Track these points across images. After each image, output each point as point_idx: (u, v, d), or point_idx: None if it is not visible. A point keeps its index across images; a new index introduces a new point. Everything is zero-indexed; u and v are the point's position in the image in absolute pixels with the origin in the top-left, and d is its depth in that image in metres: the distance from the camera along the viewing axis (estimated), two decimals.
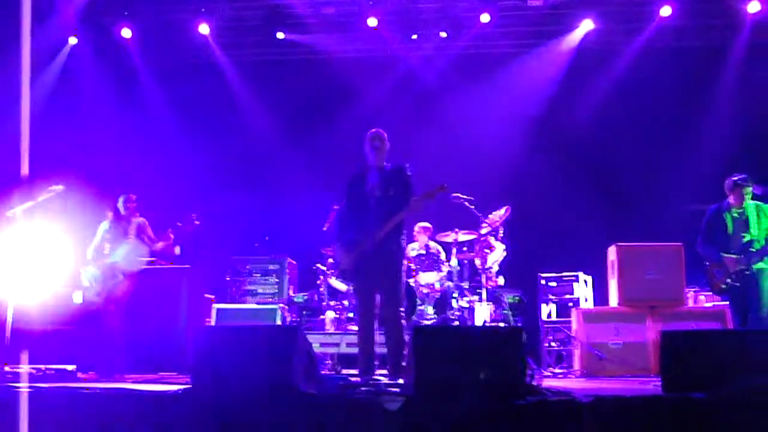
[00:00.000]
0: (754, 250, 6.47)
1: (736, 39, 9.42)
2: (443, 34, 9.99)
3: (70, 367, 6.88)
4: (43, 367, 6.62)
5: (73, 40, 10.15)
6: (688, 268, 7.44)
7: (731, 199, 6.62)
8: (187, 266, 7.84)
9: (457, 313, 7.77)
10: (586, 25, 9.61)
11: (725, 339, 4.84)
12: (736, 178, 6.59)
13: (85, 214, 7.52)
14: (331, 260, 8.07)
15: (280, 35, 10.09)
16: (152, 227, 7.21)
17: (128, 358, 6.90)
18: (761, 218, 6.56)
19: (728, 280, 6.55)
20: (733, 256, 6.51)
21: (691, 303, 7.90)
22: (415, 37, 10.06)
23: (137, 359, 7.16)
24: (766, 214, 6.58)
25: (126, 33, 10.05)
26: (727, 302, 7.14)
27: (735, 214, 6.61)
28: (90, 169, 9.66)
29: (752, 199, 6.60)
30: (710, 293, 8.09)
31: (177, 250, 7.13)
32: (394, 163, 5.90)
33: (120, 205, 7.07)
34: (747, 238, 6.51)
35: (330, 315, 8.04)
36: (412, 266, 8.00)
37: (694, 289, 8.13)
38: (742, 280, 6.49)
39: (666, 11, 9.33)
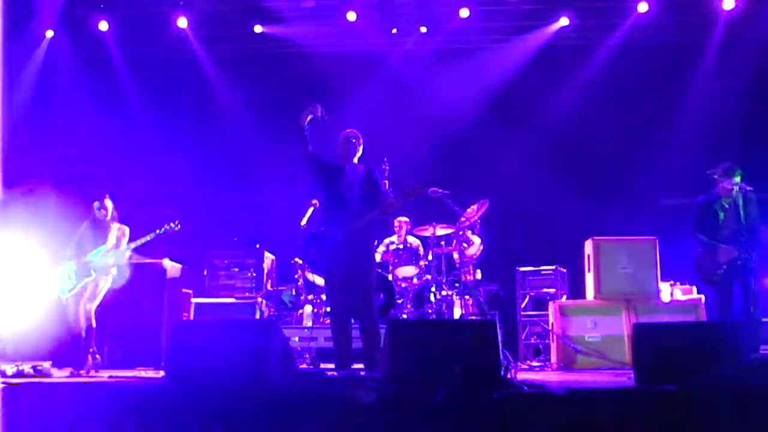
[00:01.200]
0: (744, 239, 6.52)
1: (711, 35, 9.51)
2: (423, 29, 10.00)
3: (46, 363, 6.84)
4: (18, 363, 6.58)
5: (49, 34, 10.05)
6: (663, 262, 7.53)
7: (720, 188, 6.64)
8: (163, 261, 7.82)
9: (435, 306, 7.80)
10: (564, 21, 9.67)
11: (697, 331, 4.90)
12: (725, 166, 6.62)
13: (63, 215, 7.46)
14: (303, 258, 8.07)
15: (258, 29, 10.05)
16: (132, 226, 7.12)
17: (104, 353, 6.87)
18: (749, 207, 6.61)
19: (719, 271, 6.58)
20: (726, 246, 6.55)
21: (665, 296, 7.98)
22: (395, 31, 10.06)
23: (114, 354, 7.13)
24: (753, 203, 6.64)
25: (103, 26, 9.97)
26: (699, 294, 7.24)
27: (725, 204, 6.64)
28: (67, 163, 9.61)
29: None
30: (687, 286, 8.21)
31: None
32: (368, 164, 5.97)
33: (96, 210, 7.01)
34: (737, 227, 6.56)
35: (308, 309, 8.04)
36: (390, 260, 8.02)
37: (669, 283, 8.21)
38: (733, 270, 6.54)
39: (643, 7, 9.41)
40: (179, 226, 6.99)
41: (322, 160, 5.93)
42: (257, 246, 8.84)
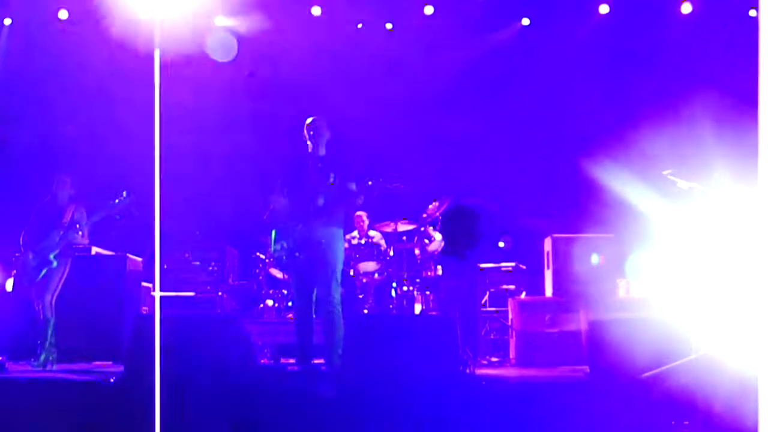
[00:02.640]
0: None
1: (669, 38, 9.69)
2: (389, 26, 10.03)
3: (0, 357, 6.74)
4: None
5: (7, 21, 9.86)
6: (621, 259, 7.66)
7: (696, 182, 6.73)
8: (124, 253, 7.74)
9: (396, 302, 7.85)
10: (526, 21, 9.81)
11: (648, 326, 5.03)
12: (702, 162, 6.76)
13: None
14: (271, 249, 8.05)
15: (220, 21, 9.97)
16: (87, 211, 7.01)
17: (61, 347, 6.77)
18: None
19: None
20: None
21: (622, 293, 8.13)
22: (360, 26, 10.05)
23: (71, 348, 7.03)
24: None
25: (63, 14, 9.80)
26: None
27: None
28: (29, 151, 9.46)
29: None
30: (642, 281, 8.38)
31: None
32: (333, 152, 5.92)
33: (55, 187, 6.88)
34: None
35: (269, 303, 8.04)
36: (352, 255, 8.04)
37: (626, 279, 8.36)
38: None
39: (604, 9, 9.57)
40: (129, 198, 6.83)
41: (289, 162, 5.90)
42: (197, 233, 8.78)
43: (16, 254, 6.81)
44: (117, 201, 6.78)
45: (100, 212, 6.81)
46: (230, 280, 8.55)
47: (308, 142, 5.88)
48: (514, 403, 4.40)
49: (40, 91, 9.73)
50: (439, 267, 8.10)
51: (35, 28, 9.87)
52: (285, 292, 8.03)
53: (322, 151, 5.88)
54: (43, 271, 6.65)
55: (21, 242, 6.81)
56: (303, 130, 5.91)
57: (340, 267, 5.81)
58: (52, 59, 9.80)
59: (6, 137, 9.53)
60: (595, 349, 4.81)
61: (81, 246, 7.06)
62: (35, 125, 9.52)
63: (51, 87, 9.70)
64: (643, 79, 9.75)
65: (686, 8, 9.49)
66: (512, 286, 8.58)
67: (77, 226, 6.76)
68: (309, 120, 5.94)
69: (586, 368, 5.31)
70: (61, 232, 6.69)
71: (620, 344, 4.69)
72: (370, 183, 5.71)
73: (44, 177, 7.02)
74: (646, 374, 4.43)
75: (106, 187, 7.74)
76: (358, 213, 8.41)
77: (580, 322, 7.40)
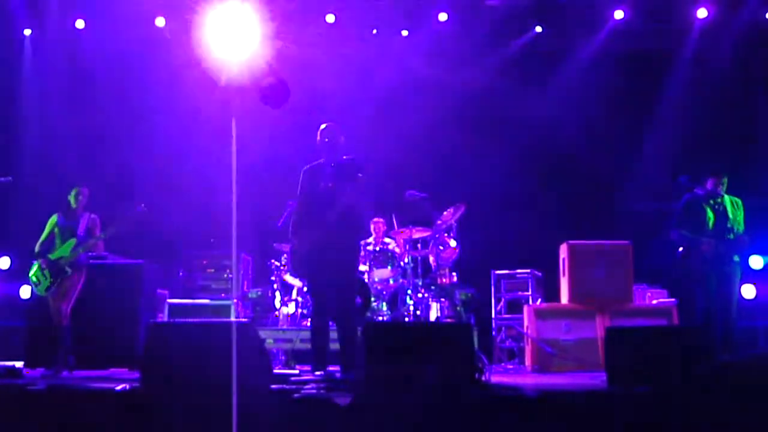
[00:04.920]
0: (730, 238, 6.50)
1: (684, 43, 9.65)
2: (405, 33, 10.02)
3: (18, 364, 6.77)
4: None
5: (27, 32, 9.97)
6: (636, 266, 7.61)
7: (709, 185, 6.59)
8: (140, 261, 7.77)
9: (411, 309, 7.83)
10: (538, 29, 9.78)
11: (667, 335, 4.99)
12: (714, 167, 6.63)
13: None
14: (285, 256, 8.06)
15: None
16: (102, 221, 7.07)
17: (78, 354, 6.81)
18: (736, 210, 6.61)
19: (706, 268, 6.50)
20: (710, 240, 6.48)
21: (638, 300, 8.08)
22: (375, 32, 10.05)
23: (87, 355, 7.07)
24: (740, 207, 6.64)
25: (79, 24, 9.88)
26: (671, 298, 7.29)
27: (713, 204, 6.58)
28: (43, 161, 9.54)
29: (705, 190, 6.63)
30: (659, 291, 8.31)
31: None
32: (349, 158, 5.91)
33: (72, 198, 6.93)
34: (724, 228, 6.51)
35: (284, 311, 8.04)
36: (364, 267, 8.03)
37: (642, 287, 8.31)
38: (719, 268, 6.49)
39: (619, 14, 9.53)
40: (146, 210, 6.90)
41: (305, 170, 5.90)
42: (212, 240, 8.82)
43: (34, 262, 6.86)
44: (133, 215, 6.84)
45: (116, 225, 6.85)
46: (245, 288, 8.56)
47: (322, 149, 5.87)
48: (530, 412, 4.36)
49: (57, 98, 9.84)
50: (454, 274, 8.07)
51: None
52: (300, 299, 8.03)
53: (337, 157, 5.87)
54: (58, 280, 6.70)
55: (36, 251, 6.86)
56: (318, 137, 5.91)
57: (356, 274, 5.79)
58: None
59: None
60: (613, 357, 4.76)
61: (97, 255, 7.11)
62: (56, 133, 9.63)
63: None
64: (657, 86, 9.72)
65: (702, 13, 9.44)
66: (527, 293, 8.54)
67: (93, 236, 6.82)
68: (323, 126, 5.94)
69: (604, 376, 5.26)
70: (77, 242, 6.74)
71: (638, 352, 4.65)
72: (406, 196, 5.71)
73: (59, 185, 7.06)
74: (664, 383, 4.38)
75: (121, 197, 7.82)
76: (375, 219, 8.40)
77: (595, 330, 7.35)
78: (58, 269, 6.71)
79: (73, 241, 6.76)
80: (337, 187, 5.73)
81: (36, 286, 6.78)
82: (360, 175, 5.78)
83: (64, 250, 6.76)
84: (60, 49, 9.92)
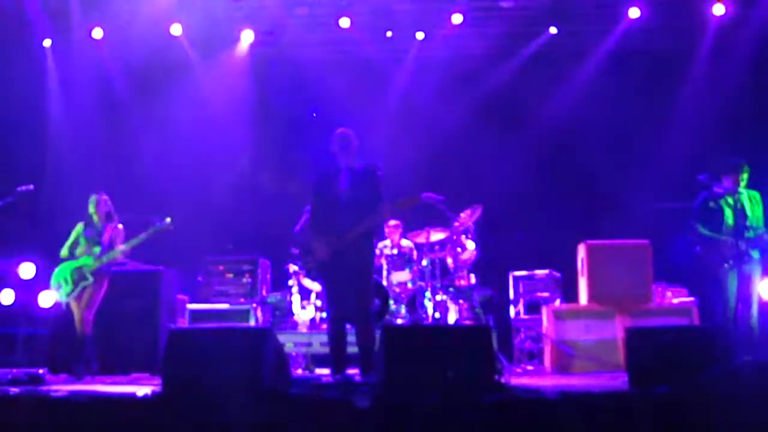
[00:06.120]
0: (750, 236, 6.40)
1: (701, 41, 9.58)
2: (420, 35, 10.02)
3: (41, 370, 6.84)
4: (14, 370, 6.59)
5: (47, 43, 10.08)
6: (655, 266, 7.56)
7: (727, 183, 6.50)
8: (160, 268, 7.83)
9: (430, 311, 7.82)
10: (552, 30, 9.73)
11: (688, 335, 4.95)
12: (733, 161, 6.52)
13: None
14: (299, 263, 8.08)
15: (248, 36, 10.07)
16: (126, 229, 7.14)
17: (100, 360, 6.88)
18: (754, 206, 6.52)
19: (726, 265, 6.43)
20: (730, 238, 6.38)
21: (658, 300, 8.03)
22: (389, 34, 10.05)
23: (109, 361, 7.14)
24: (758, 201, 6.55)
25: (97, 33, 9.97)
26: (691, 297, 7.21)
27: (730, 201, 6.49)
28: (68, 170, 9.65)
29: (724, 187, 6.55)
30: (679, 290, 8.25)
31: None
32: (364, 163, 5.92)
33: (91, 206, 7.00)
34: (743, 225, 6.41)
35: (303, 315, 8.06)
36: (384, 265, 8.04)
37: (662, 286, 8.26)
38: (738, 267, 6.37)
39: (634, 13, 9.46)
40: (172, 225, 6.98)
41: (319, 174, 5.91)
42: (230, 247, 8.86)
43: (57, 267, 6.94)
44: (159, 227, 6.89)
45: (142, 237, 6.91)
46: (263, 292, 8.59)
47: (337, 154, 5.88)
48: (550, 413, 4.34)
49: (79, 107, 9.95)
50: (472, 275, 8.06)
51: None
52: (319, 303, 8.05)
53: (352, 162, 5.89)
54: (80, 287, 6.77)
55: (63, 254, 6.94)
56: (332, 142, 5.92)
57: (373, 277, 5.80)
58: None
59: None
60: (634, 357, 4.73)
61: (119, 262, 7.18)
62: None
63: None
64: (675, 83, 9.67)
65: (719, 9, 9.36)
66: (546, 294, 8.51)
67: (116, 246, 6.88)
68: (338, 131, 5.95)
69: (625, 377, 5.22)
70: (100, 251, 6.81)
71: (659, 352, 4.61)
72: (401, 201, 5.71)
73: (83, 194, 7.13)
74: (686, 383, 4.34)
75: (142, 203, 7.88)
76: (393, 222, 8.40)
77: (615, 330, 7.31)
78: (80, 276, 6.78)
79: (97, 249, 6.84)
80: (352, 191, 5.74)
81: (58, 291, 6.86)
82: (376, 178, 5.79)
83: (87, 258, 6.84)
84: (81, 58, 10.02)
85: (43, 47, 10.07)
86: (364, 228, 5.69)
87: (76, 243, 6.97)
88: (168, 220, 6.97)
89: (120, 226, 7.03)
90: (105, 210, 7.01)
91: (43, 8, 9.56)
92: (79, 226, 7.03)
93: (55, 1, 9.55)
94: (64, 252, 6.97)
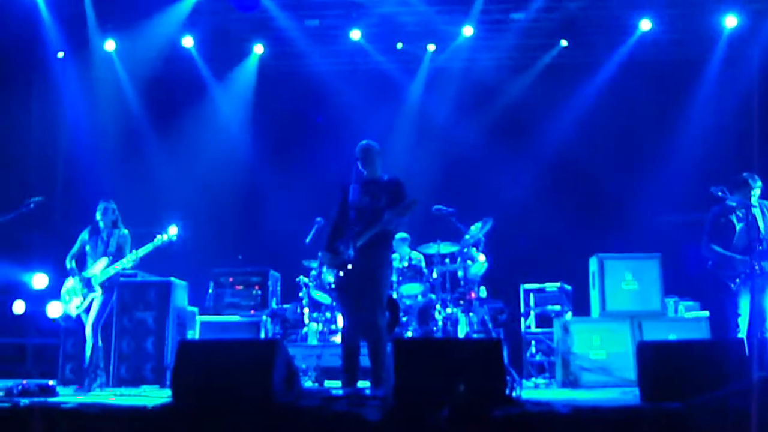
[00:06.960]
0: (762, 249, 6.32)
1: (712, 53, 9.56)
2: (431, 47, 10.04)
3: (51, 381, 6.84)
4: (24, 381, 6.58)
5: (60, 54, 10.17)
6: (667, 278, 7.51)
7: (740, 196, 6.43)
8: (169, 278, 7.84)
9: (440, 324, 7.80)
10: (563, 42, 9.74)
11: (701, 349, 4.90)
12: (745, 175, 6.47)
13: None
14: (314, 272, 8.07)
15: (259, 49, 10.13)
16: (134, 238, 7.13)
17: (109, 371, 6.88)
18: (766, 217, 6.44)
19: (738, 280, 6.38)
20: (743, 258, 6.32)
21: (670, 313, 7.97)
22: (400, 46, 10.07)
23: (118, 372, 7.15)
24: None
25: (110, 46, 10.05)
26: (703, 310, 7.12)
27: (740, 214, 6.41)
28: (77, 181, 9.72)
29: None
30: (691, 303, 8.19)
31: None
32: (389, 176, 5.92)
33: (99, 214, 6.99)
34: (755, 238, 6.32)
35: (313, 327, 8.04)
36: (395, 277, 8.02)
37: (673, 299, 8.21)
38: (753, 281, 6.26)
39: (645, 25, 9.46)
40: (176, 236, 6.94)
41: (343, 186, 5.89)
42: (240, 259, 8.87)
43: (66, 279, 6.95)
44: (165, 236, 6.87)
45: (151, 247, 6.89)
46: (273, 304, 8.59)
47: (359, 166, 5.88)
48: (561, 428, 4.31)
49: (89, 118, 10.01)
50: (483, 288, 8.02)
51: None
52: (329, 315, 8.03)
53: (375, 174, 5.88)
54: (89, 298, 6.77)
55: (68, 266, 6.95)
56: (355, 155, 5.90)
57: (386, 290, 5.78)
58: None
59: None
60: (646, 371, 4.69)
61: (128, 273, 7.19)
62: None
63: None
64: (685, 95, 9.65)
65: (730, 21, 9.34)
66: (557, 307, 8.47)
67: (124, 254, 6.87)
68: (360, 144, 5.94)
69: (637, 391, 5.18)
70: (108, 262, 6.80)
71: (671, 366, 4.57)
72: (402, 209, 5.67)
73: (96, 205, 7.15)
74: (699, 398, 4.30)
75: (153, 214, 7.90)
76: (401, 235, 8.38)
77: (627, 343, 7.26)
78: (89, 287, 6.78)
79: (104, 259, 6.82)
80: (373, 206, 5.72)
81: (67, 302, 6.86)
82: (401, 190, 5.77)
83: (95, 269, 6.82)
84: (94, 69, 10.11)
85: (57, 59, 10.17)
86: (369, 237, 5.65)
87: (80, 250, 6.96)
88: (173, 229, 6.94)
89: (125, 231, 7.02)
90: (112, 217, 7.01)
91: (57, 20, 9.65)
92: (84, 233, 7.03)
93: (69, 14, 9.64)
94: (69, 263, 6.96)
